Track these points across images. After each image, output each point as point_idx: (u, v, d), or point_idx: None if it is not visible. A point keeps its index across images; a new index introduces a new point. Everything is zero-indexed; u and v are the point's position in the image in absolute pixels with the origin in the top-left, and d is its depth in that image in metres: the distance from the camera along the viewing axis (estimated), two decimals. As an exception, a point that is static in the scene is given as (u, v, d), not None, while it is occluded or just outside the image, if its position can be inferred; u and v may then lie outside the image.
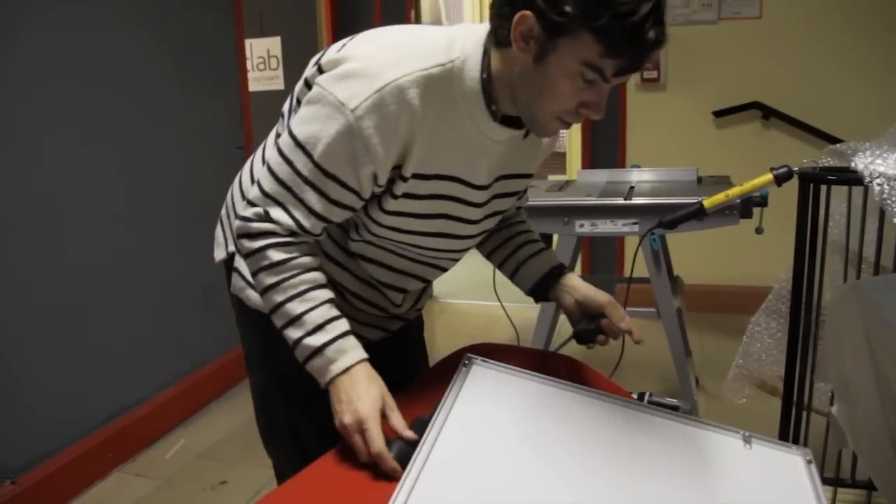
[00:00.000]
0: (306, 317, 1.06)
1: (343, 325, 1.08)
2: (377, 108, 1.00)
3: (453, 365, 1.19)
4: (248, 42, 3.40)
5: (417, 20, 4.51)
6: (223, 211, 1.35)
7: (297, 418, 1.25)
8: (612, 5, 0.92)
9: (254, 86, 3.56)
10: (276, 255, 1.06)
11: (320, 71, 1.08)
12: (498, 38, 1.04)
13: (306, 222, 1.07)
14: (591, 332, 1.21)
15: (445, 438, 1.03)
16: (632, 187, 2.62)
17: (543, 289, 1.30)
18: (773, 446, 1.15)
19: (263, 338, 1.23)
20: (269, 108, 3.76)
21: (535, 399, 1.14)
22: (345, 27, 4.26)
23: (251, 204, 1.09)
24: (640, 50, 0.96)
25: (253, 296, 1.23)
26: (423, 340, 1.52)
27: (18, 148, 2.21)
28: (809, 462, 1.11)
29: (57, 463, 2.33)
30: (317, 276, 1.09)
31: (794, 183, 1.80)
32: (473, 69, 1.05)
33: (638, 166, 3.03)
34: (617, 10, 0.92)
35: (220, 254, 1.34)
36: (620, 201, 2.38)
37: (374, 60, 1.03)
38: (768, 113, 3.70)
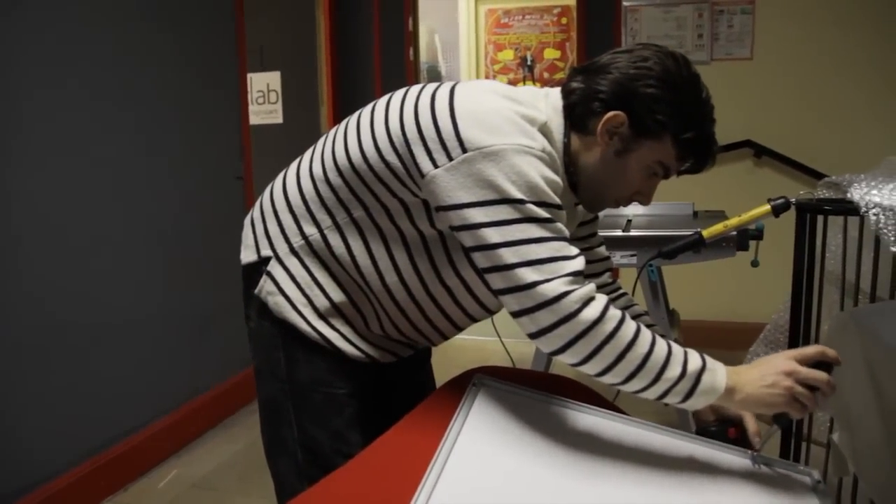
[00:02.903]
0: (673, 350, 1.06)
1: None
2: None
3: (462, 385, 1.20)
4: (248, 76, 3.44)
5: (416, 58, 4.59)
6: (255, 213, 1.29)
7: (310, 425, 1.24)
8: (698, 123, 1.12)
9: (253, 119, 3.59)
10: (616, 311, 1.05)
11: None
12: (578, 122, 1.14)
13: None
14: (717, 434, 1.20)
15: (456, 458, 1.04)
16: (629, 220, 2.66)
17: None
18: (781, 466, 1.15)
19: (284, 347, 1.23)
20: (267, 141, 3.81)
21: (544, 418, 1.15)
22: (344, 63, 4.33)
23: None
24: (705, 160, 1.16)
25: (281, 302, 1.21)
26: (430, 363, 1.52)
27: (16, 174, 2.22)
28: (818, 482, 1.12)
29: (48, 491, 2.29)
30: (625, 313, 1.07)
31: (787, 218, 1.83)
32: (559, 132, 1.14)
33: (635, 200, 3.05)
34: (701, 127, 1.12)
35: (248, 256, 1.27)
36: (619, 233, 2.41)
37: None
38: (760, 151, 3.76)
